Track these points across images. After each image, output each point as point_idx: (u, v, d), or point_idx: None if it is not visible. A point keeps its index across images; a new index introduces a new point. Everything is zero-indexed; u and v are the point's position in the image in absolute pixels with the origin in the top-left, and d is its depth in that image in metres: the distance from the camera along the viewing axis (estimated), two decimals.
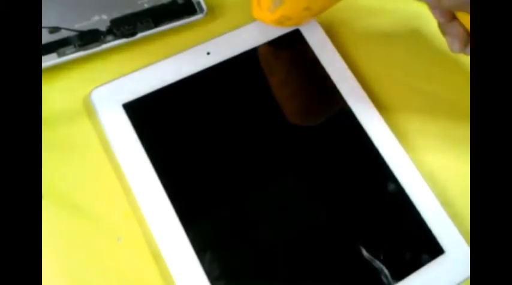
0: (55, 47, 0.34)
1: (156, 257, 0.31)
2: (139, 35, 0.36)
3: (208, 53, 0.36)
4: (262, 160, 0.34)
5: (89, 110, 0.34)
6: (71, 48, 0.34)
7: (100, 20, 0.35)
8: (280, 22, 0.34)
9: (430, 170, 0.35)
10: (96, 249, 0.31)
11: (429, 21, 0.37)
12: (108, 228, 0.32)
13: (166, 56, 0.35)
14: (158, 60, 0.35)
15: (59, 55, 0.34)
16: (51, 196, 0.32)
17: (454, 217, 0.33)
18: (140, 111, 0.34)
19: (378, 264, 0.31)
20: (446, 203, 0.33)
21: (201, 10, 0.37)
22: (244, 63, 0.36)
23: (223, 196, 0.32)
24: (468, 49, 0.31)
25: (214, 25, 0.38)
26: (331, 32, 0.38)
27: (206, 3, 0.38)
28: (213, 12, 0.39)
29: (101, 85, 0.34)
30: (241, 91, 0.36)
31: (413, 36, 0.40)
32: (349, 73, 0.36)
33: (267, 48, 0.37)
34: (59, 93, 0.35)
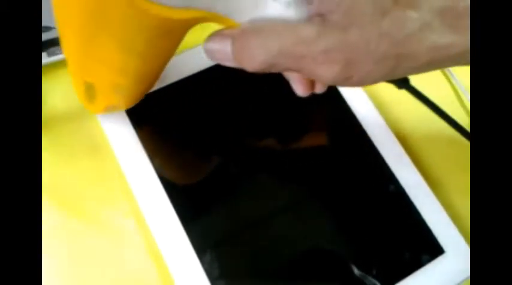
0: (45, 46, 0.34)
1: (156, 257, 0.31)
2: None
3: None
4: (263, 161, 0.34)
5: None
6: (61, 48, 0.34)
7: None
8: (110, 110, 0.32)
9: (430, 170, 0.35)
10: (96, 249, 0.31)
11: None
12: (108, 228, 0.32)
13: None
14: None
15: (49, 55, 0.34)
16: (52, 196, 0.32)
17: (454, 217, 0.33)
18: (140, 111, 0.34)
19: (378, 264, 0.31)
20: (446, 204, 0.33)
21: None
22: None
23: (223, 197, 0.32)
24: (317, 90, 0.29)
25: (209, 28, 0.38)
26: None
27: None
28: None
29: None
30: (243, 91, 0.36)
31: None
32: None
33: None
34: (59, 93, 0.35)
